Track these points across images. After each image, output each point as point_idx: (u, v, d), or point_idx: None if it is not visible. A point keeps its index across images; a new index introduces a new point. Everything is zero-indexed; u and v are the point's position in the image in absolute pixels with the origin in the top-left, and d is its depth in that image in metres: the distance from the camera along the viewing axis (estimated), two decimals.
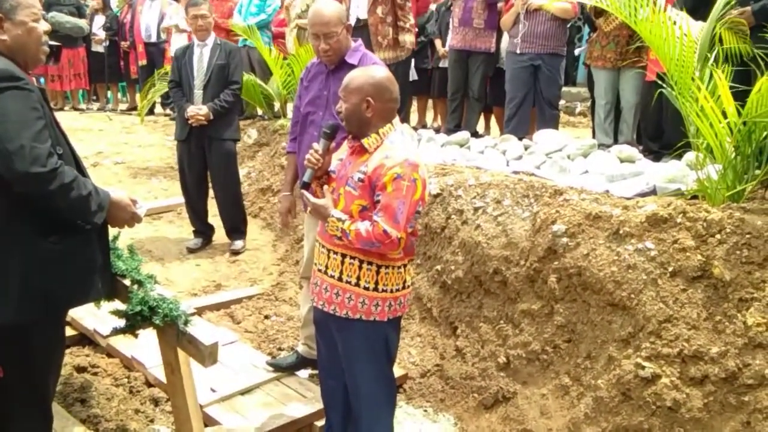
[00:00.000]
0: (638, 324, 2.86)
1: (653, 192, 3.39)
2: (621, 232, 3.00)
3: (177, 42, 8.62)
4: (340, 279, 2.47)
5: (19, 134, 1.99)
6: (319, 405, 3.04)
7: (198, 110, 4.95)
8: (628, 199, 3.30)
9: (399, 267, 2.50)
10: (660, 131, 4.83)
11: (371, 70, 2.54)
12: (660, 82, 3.37)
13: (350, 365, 2.58)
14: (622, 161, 4.02)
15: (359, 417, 2.63)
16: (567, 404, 3.08)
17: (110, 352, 3.69)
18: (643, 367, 2.77)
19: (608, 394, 2.89)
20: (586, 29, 7.55)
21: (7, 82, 2.03)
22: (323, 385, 2.82)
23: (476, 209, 3.74)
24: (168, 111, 9.69)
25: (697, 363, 2.67)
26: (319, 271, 2.55)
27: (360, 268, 2.44)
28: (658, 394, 2.72)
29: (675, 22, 3.24)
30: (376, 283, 2.45)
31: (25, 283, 2.10)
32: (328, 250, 2.50)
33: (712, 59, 3.19)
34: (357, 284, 2.45)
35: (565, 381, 3.11)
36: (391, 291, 2.48)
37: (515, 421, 3.23)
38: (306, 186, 2.51)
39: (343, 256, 2.46)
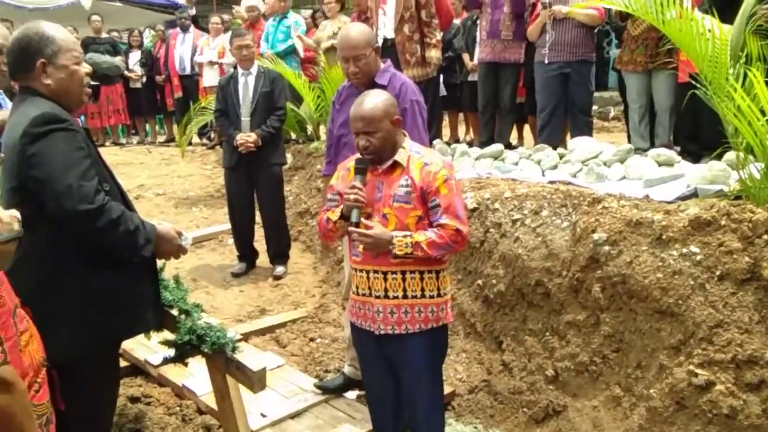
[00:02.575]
0: (688, 330, 2.80)
1: (694, 194, 3.33)
2: (664, 237, 2.95)
3: (209, 74, 8.84)
4: (405, 297, 2.49)
5: (66, 174, 2.05)
6: (369, 425, 3.05)
7: (247, 137, 5.08)
8: (669, 203, 3.25)
9: (447, 267, 2.60)
10: (697, 132, 4.74)
11: (372, 96, 2.53)
12: (694, 82, 3.33)
13: (416, 375, 2.59)
14: (660, 165, 3.96)
15: (421, 421, 2.64)
16: (620, 415, 3.03)
17: (162, 382, 3.77)
18: (697, 375, 2.71)
19: (662, 403, 2.83)
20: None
21: (52, 124, 2.10)
22: (373, 407, 2.82)
23: (514, 221, 3.73)
24: (204, 140, 9.90)
25: (753, 368, 2.61)
26: (378, 297, 2.51)
27: (422, 279, 2.49)
28: (714, 402, 2.66)
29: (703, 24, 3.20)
30: (438, 288, 2.54)
31: (80, 317, 2.16)
32: (385, 273, 2.49)
33: (744, 58, 3.14)
34: (423, 296, 2.50)
35: (617, 392, 3.06)
36: (448, 292, 2.60)
37: None
38: (356, 226, 2.45)
39: (403, 273, 2.48)
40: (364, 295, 2.56)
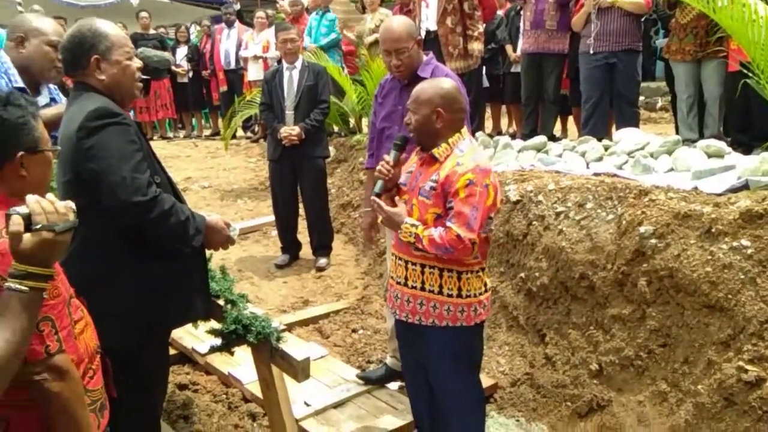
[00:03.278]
0: (738, 325, 2.74)
1: (745, 186, 3.25)
2: (713, 230, 2.89)
3: (253, 68, 8.95)
4: (422, 288, 2.50)
5: (120, 167, 2.12)
6: (410, 417, 3.07)
7: (291, 131, 5.15)
8: (719, 195, 3.17)
9: (477, 271, 2.53)
10: (748, 122, 4.60)
11: (439, 81, 2.58)
12: (745, 71, 3.24)
13: (437, 373, 2.60)
14: (709, 156, 3.86)
15: (448, 425, 2.64)
16: (666, 411, 2.98)
17: (208, 370, 3.85)
18: (746, 371, 2.65)
19: (710, 399, 2.78)
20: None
21: (107, 118, 2.16)
22: (411, 396, 2.85)
23: (558, 214, 3.69)
24: (249, 134, 10.03)
25: None
26: (398, 283, 2.58)
27: (441, 276, 2.47)
28: (765, 398, 2.60)
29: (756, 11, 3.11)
30: (459, 289, 2.48)
31: (133, 307, 2.23)
32: (406, 262, 2.53)
33: None
34: (440, 292, 2.48)
35: (663, 387, 3.02)
36: (475, 295, 2.51)
37: (612, 430, 3.16)
38: (377, 197, 2.56)
39: (422, 266, 2.49)
40: (392, 278, 2.64)
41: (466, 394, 2.63)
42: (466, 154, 2.45)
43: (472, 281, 2.50)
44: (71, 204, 1.48)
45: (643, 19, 5.57)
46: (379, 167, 2.56)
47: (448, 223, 2.37)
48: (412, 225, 2.42)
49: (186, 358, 3.99)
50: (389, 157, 2.57)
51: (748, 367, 2.66)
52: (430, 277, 2.48)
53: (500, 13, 7.17)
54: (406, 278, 2.54)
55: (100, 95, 2.24)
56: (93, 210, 2.15)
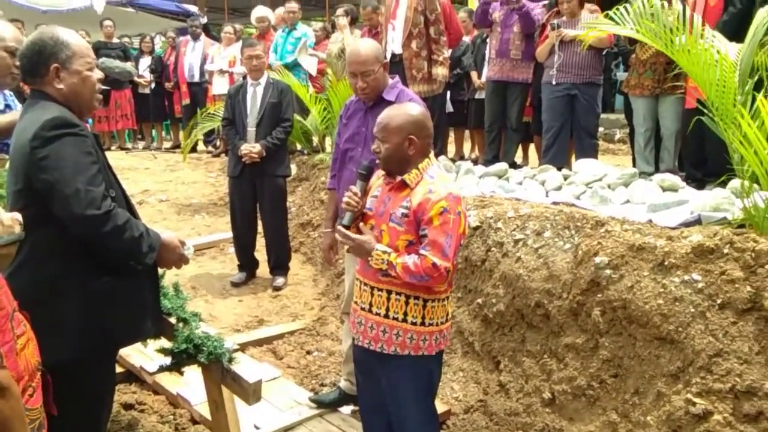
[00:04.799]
0: (687, 358, 2.78)
1: (698, 221, 3.32)
2: (666, 263, 2.94)
3: (218, 82, 8.89)
4: (386, 316, 2.47)
5: (75, 178, 2.06)
6: None
7: (251, 148, 5.09)
8: (673, 229, 3.24)
9: (443, 300, 2.51)
10: (702, 158, 4.74)
11: (407, 108, 2.55)
12: (701, 107, 3.33)
13: (396, 401, 2.57)
14: (664, 190, 3.95)
15: None
16: None
17: (156, 390, 3.75)
18: (695, 404, 2.69)
19: (658, 431, 2.81)
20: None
21: (63, 129, 2.11)
22: (365, 423, 2.81)
23: (516, 241, 3.72)
24: (210, 148, 9.93)
25: (751, 399, 2.58)
26: (363, 309, 2.55)
27: (407, 303, 2.45)
28: None
29: (713, 46, 3.21)
30: (423, 317, 2.46)
31: (81, 322, 2.16)
32: (372, 288, 2.50)
33: (752, 84, 3.14)
34: (404, 320, 2.46)
35: (613, 417, 3.04)
36: (437, 324, 2.50)
37: None
38: (346, 228, 2.51)
39: (389, 292, 2.46)
40: (356, 303, 2.61)
41: (423, 423, 2.60)
42: (437, 180, 2.44)
43: (436, 309, 2.49)
44: (18, 216, 1.43)
45: (604, 53, 5.72)
46: (346, 199, 2.51)
47: (423, 252, 2.35)
48: (384, 252, 2.39)
49: (133, 376, 3.88)
50: (356, 188, 2.53)
51: (696, 400, 2.70)
52: (396, 304, 2.46)
53: (467, 39, 7.27)
54: (370, 304, 2.51)
55: (58, 105, 2.19)
56: (44, 222, 2.10)
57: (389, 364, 2.52)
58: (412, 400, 2.55)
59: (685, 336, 2.79)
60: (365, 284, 2.54)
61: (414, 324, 2.46)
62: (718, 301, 2.75)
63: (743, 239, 2.81)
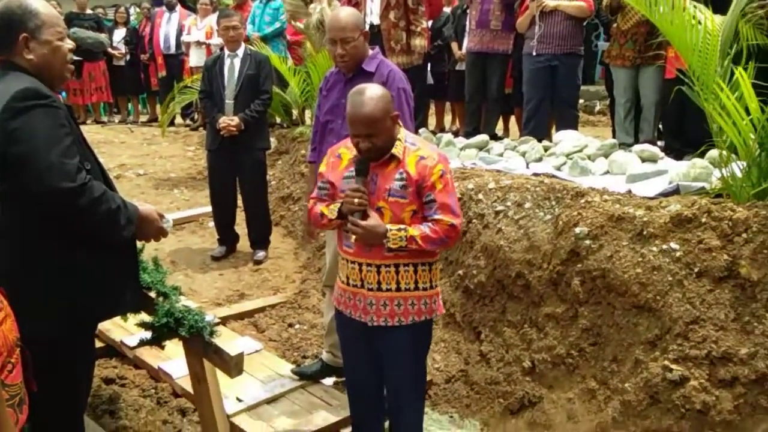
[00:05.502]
0: (665, 326, 2.83)
1: (676, 191, 3.36)
2: (645, 233, 2.97)
3: (195, 54, 8.74)
4: (398, 289, 2.47)
5: (48, 151, 2.01)
6: (345, 413, 3.06)
7: (230, 121, 5.02)
8: (651, 199, 3.27)
9: (439, 260, 2.60)
10: (682, 128, 4.77)
11: (370, 89, 2.42)
12: (682, 76, 3.33)
13: (404, 366, 2.60)
14: (643, 160, 3.98)
15: (401, 410, 2.65)
16: (594, 408, 3.05)
17: (137, 364, 3.73)
18: (671, 370, 2.74)
19: (636, 397, 2.86)
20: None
21: (34, 100, 2.05)
22: (353, 396, 2.80)
23: (497, 213, 3.73)
24: (188, 121, 9.79)
25: (726, 365, 2.63)
26: (371, 290, 2.48)
27: (416, 272, 2.48)
28: (687, 397, 2.69)
29: (695, 17, 3.20)
30: (430, 280, 2.54)
31: (58, 297, 2.13)
32: (378, 266, 2.45)
33: (732, 55, 3.15)
34: (416, 288, 2.49)
35: (592, 385, 3.09)
36: (438, 285, 2.60)
37: (542, 426, 3.21)
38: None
39: (396, 266, 2.45)
40: (355, 286, 2.52)
41: (418, 381, 2.68)
42: (420, 145, 2.47)
43: (437, 270, 2.59)
44: None
45: (585, 24, 5.70)
46: (356, 201, 2.38)
47: (437, 216, 2.39)
48: (399, 229, 2.37)
49: (113, 351, 3.86)
50: (359, 185, 2.41)
51: (672, 366, 2.74)
52: (405, 276, 2.47)
53: (447, 10, 7.21)
54: (379, 282, 2.47)
55: (28, 75, 2.13)
56: (17, 196, 2.05)
57: (399, 333, 2.52)
58: (413, 363, 2.62)
59: (663, 304, 2.83)
60: (369, 264, 2.46)
61: (425, 289, 2.51)
62: (696, 270, 2.79)
63: (720, 208, 2.84)
